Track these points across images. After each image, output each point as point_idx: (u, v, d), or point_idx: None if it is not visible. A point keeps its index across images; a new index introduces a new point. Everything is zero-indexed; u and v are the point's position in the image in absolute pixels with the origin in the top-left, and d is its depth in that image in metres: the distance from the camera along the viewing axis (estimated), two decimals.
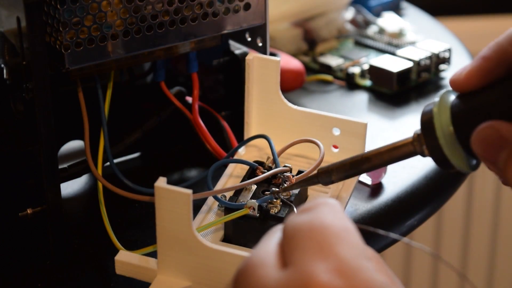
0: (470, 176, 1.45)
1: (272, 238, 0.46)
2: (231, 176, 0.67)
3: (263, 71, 0.68)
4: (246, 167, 0.66)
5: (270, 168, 0.65)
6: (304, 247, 0.43)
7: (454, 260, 1.53)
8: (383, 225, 0.68)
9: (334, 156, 0.68)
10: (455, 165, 0.55)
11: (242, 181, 0.65)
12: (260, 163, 0.66)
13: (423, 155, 0.56)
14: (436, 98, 0.55)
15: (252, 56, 0.67)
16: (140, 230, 0.66)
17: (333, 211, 0.45)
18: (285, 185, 0.63)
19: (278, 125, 0.69)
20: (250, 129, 0.70)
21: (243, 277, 0.44)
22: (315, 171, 0.62)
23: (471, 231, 1.52)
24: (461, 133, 0.54)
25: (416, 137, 0.57)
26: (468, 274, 1.55)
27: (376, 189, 0.70)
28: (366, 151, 0.68)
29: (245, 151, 0.70)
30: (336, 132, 0.68)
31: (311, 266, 0.42)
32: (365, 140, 0.67)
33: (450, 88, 0.56)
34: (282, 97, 0.69)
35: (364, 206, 0.68)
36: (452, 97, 0.56)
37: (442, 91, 0.56)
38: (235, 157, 0.69)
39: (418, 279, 1.53)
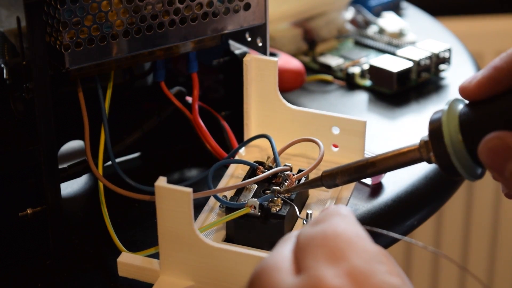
0: None
1: (286, 245, 0.47)
2: (232, 177, 0.67)
3: (261, 72, 0.68)
4: (247, 168, 0.66)
5: (270, 168, 0.65)
6: (317, 254, 0.44)
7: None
8: (383, 225, 0.68)
9: (334, 155, 0.68)
10: (461, 173, 0.55)
11: (242, 180, 0.65)
12: (261, 163, 0.66)
13: (430, 162, 0.57)
14: (445, 106, 0.56)
15: (250, 57, 0.67)
16: (141, 230, 0.66)
17: (345, 220, 0.46)
18: (286, 184, 0.63)
19: (277, 126, 0.69)
20: (250, 130, 0.70)
21: (259, 280, 0.45)
22: (320, 174, 0.62)
23: (471, 231, 1.52)
24: (469, 142, 0.54)
25: (423, 144, 0.57)
26: (468, 275, 1.55)
27: (376, 189, 0.70)
28: (366, 151, 0.68)
29: (246, 152, 0.70)
30: (336, 131, 0.68)
31: (323, 271, 0.43)
32: (364, 138, 0.67)
33: (458, 96, 0.56)
34: (281, 97, 0.69)
35: (364, 206, 0.68)
36: (461, 106, 0.56)
37: (450, 99, 0.56)
38: (236, 157, 0.69)
39: (419, 279, 1.53)
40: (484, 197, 1.51)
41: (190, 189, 0.54)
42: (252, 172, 0.66)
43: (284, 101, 0.69)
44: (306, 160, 0.69)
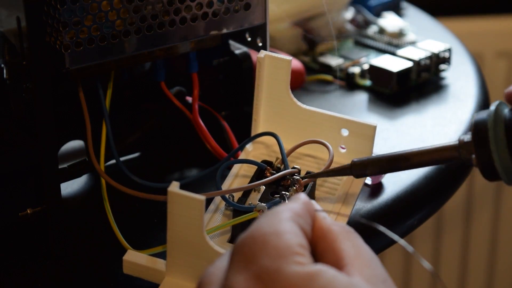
0: (470, 176, 1.45)
1: (225, 255, 0.47)
2: (238, 176, 0.67)
3: (273, 70, 0.67)
4: (252, 166, 0.66)
5: (278, 169, 0.65)
6: (233, 261, 0.45)
7: (454, 261, 1.53)
8: (383, 225, 0.68)
9: (342, 156, 0.68)
10: (502, 178, 0.55)
11: (250, 181, 0.65)
12: (269, 163, 0.66)
13: (468, 163, 0.56)
14: (491, 107, 0.55)
15: (264, 54, 0.67)
16: (141, 229, 0.66)
17: (268, 217, 0.47)
18: (295, 188, 0.63)
19: (286, 124, 0.69)
20: (258, 126, 0.70)
21: None
22: (349, 163, 0.61)
23: (471, 231, 1.52)
24: None
25: (464, 145, 0.56)
26: (468, 274, 1.55)
27: (376, 189, 0.70)
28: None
29: (252, 148, 0.69)
30: (345, 133, 0.68)
31: (234, 279, 0.44)
32: (373, 142, 0.67)
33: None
34: (292, 96, 0.68)
35: (364, 206, 0.68)
36: (506, 110, 0.55)
37: (496, 102, 0.56)
38: (242, 153, 0.69)
39: (418, 278, 1.53)
40: (484, 197, 1.51)
41: (203, 197, 0.54)
42: (260, 172, 0.65)
43: (295, 99, 0.68)
44: (314, 160, 0.69)
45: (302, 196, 0.50)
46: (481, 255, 1.54)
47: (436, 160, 0.58)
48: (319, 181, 0.66)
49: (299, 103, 0.69)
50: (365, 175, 0.61)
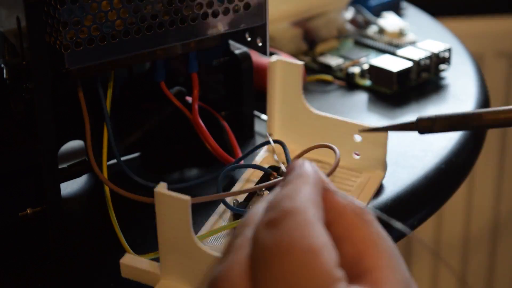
0: (470, 176, 1.45)
1: (241, 252, 0.41)
2: (248, 181, 0.67)
3: (285, 75, 0.67)
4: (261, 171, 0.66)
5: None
6: (274, 280, 0.39)
7: (454, 260, 1.53)
8: (383, 225, 0.68)
9: (355, 163, 0.68)
10: None
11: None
12: (276, 169, 0.65)
13: None
14: None
15: (276, 59, 0.67)
16: (141, 229, 0.66)
17: (301, 225, 0.40)
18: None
19: (299, 129, 0.69)
20: (272, 132, 0.69)
21: None
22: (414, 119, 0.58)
23: (471, 231, 1.52)
24: None
25: None
26: (468, 274, 1.55)
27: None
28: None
29: (265, 153, 0.69)
30: (358, 138, 0.68)
31: None
32: (386, 148, 0.67)
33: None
34: (305, 101, 0.68)
35: (364, 206, 0.68)
36: None
37: None
38: (255, 159, 0.68)
39: (418, 278, 1.53)
40: (484, 197, 1.51)
41: (188, 197, 0.54)
42: (265, 177, 0.65)
43: (307, 105, 0.68)
44: (321, 165, 0.68)
45: (309, 169, 0.43)
46: (481, 255, 1.54)
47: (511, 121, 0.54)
48: None
49: (311, 109, 0.69)
50: (432, 131, 0.57)
